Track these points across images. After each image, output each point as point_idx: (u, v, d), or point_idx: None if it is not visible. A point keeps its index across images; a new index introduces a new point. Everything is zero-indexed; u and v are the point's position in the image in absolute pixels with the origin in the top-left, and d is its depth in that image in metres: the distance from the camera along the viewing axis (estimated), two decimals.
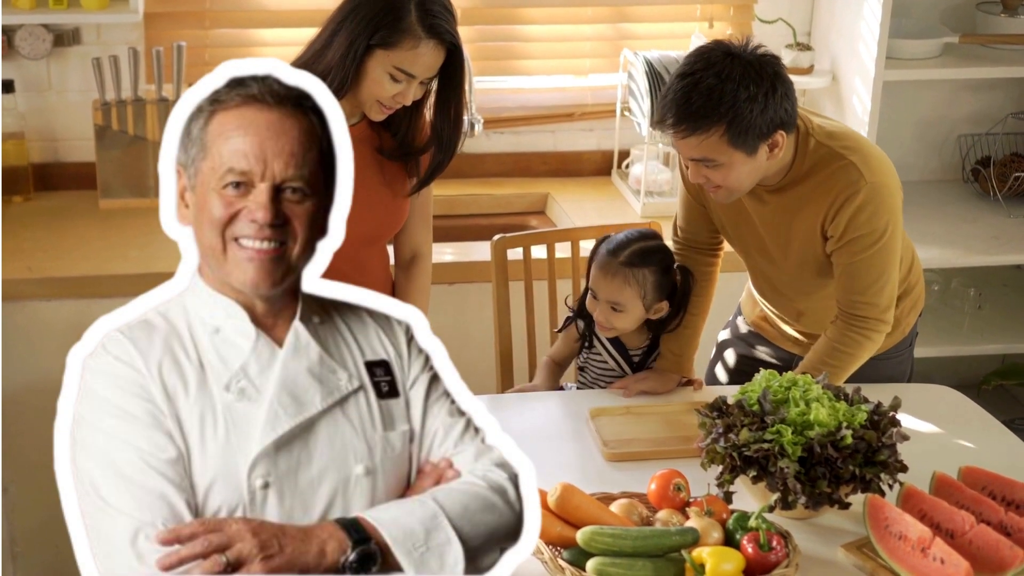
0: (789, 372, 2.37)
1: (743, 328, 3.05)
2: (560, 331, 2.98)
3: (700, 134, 2.45)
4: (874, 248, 2.58)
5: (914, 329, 2.94)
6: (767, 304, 2.91)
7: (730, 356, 3.08)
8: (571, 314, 2.94)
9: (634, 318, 2.82)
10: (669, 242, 2.93)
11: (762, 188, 2.63)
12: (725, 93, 2.42)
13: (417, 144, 2.71)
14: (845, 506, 2.23)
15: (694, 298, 2.90)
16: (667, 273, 2.82)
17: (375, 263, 2.80)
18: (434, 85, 2.63)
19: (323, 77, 2.47)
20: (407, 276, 2.86)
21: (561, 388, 2.98)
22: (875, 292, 2.62)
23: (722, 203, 2.67)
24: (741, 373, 3.01)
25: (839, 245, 2.59)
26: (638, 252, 2.79)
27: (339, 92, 2.52)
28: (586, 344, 2.92)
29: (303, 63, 2.54)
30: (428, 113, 2.70)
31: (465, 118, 3.71)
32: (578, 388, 2.96)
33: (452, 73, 2.61)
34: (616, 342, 2.89)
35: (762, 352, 2.99)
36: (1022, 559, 2.15)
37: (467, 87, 2.87)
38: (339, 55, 2.51)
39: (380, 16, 2.50)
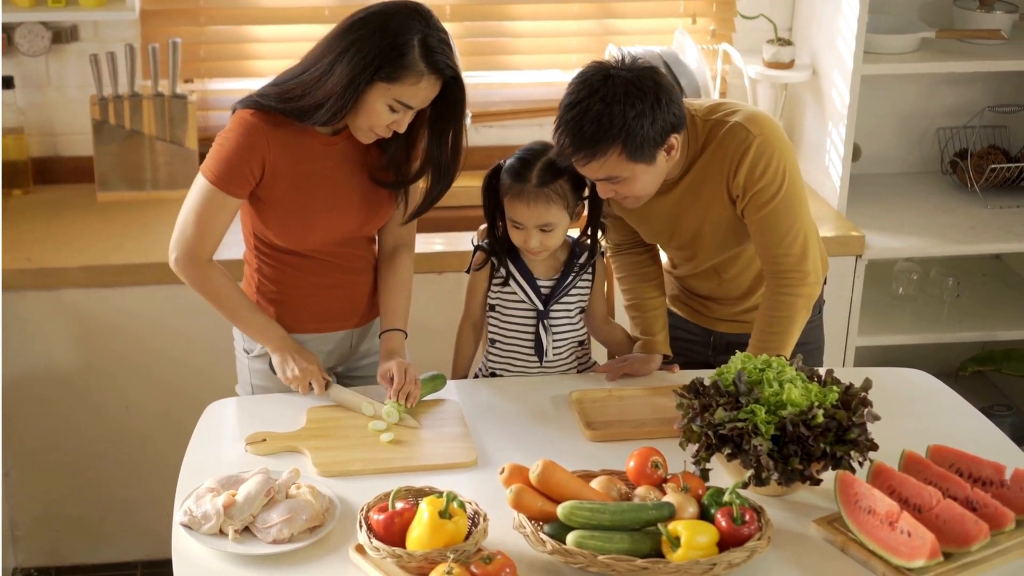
0: (764, 355, 2.43)
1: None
2: (478, 269, 2.89)
3: (600, 158, 2.54)
4: (777, 198, 2.68)
5: (821, 296, 3.00)
6: (684, 278, 2.99)
7: None
8: (478, 246, 2.89)
9: (564, 230, 2.81)
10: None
11: (665, 183, 2.72)
12: (614, 115, 2.50)
13: (407, 170, 2.72)
14: (816, 482, 2.29)
15: (647, 284, 2.97)
16: (577, 173, 2.74)
17: (360, 253, 2.82)
18: (428, 111, 2.62)
19: (322, 103, 2.50)
20: (390, 267, 2.84)
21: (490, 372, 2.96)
22: (789, 243, 2.71)
23: (632, 208, 2.75)
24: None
25: (745, 203, 2.70)
26: (545, 168, 2.74)
27: (335, 119, 2.55)
28: (502, 281, 2.87)
29: (303, 84, 2.53)
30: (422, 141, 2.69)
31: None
32: (491, 330, 2.92)
33: (452, 103, 2.61)
34: (527, 275, 2.86)
35: (680, 331, 3.06)
36: (986, 533, 2.21)
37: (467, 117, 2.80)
38: (340, 86, 2.48)
39: (384, 52, 2.47)
